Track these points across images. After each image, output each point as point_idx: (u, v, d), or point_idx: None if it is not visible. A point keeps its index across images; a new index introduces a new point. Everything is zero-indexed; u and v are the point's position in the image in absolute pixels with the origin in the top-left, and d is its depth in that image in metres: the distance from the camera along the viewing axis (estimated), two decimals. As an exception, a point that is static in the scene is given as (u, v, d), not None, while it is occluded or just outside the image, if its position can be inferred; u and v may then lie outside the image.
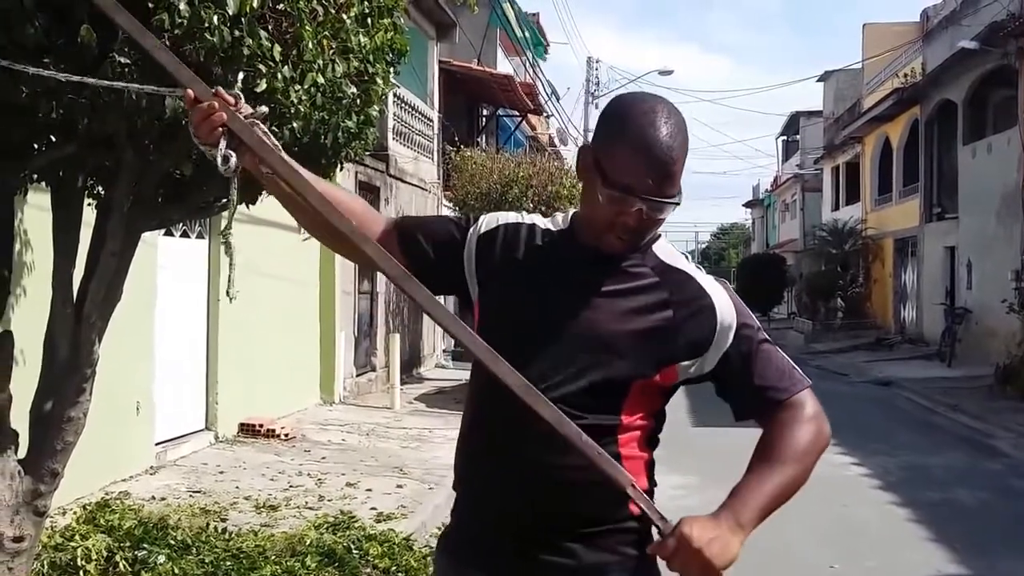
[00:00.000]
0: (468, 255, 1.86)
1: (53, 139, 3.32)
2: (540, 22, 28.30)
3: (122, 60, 2.88)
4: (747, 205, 59.13)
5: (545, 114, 25.73)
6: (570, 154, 31.99)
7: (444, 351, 18.03)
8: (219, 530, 5.51)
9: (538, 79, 22.63)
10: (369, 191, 13.25)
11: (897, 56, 26.25)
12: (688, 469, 8.13)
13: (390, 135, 13.63)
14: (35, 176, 3.53)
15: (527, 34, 22.47)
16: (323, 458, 8.45)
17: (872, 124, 27.21)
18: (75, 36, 2.80)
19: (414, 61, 13.00)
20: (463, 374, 14.89)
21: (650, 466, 1.83)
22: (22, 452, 3.67)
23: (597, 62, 30.72)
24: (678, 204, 1.72)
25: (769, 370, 1.78)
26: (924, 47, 23.67)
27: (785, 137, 46.41)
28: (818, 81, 36.59)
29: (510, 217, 1.91)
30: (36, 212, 4.74)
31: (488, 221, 1.90)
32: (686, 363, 1.76)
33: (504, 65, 22.15)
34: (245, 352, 9.24)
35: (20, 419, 3.67)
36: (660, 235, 1.86)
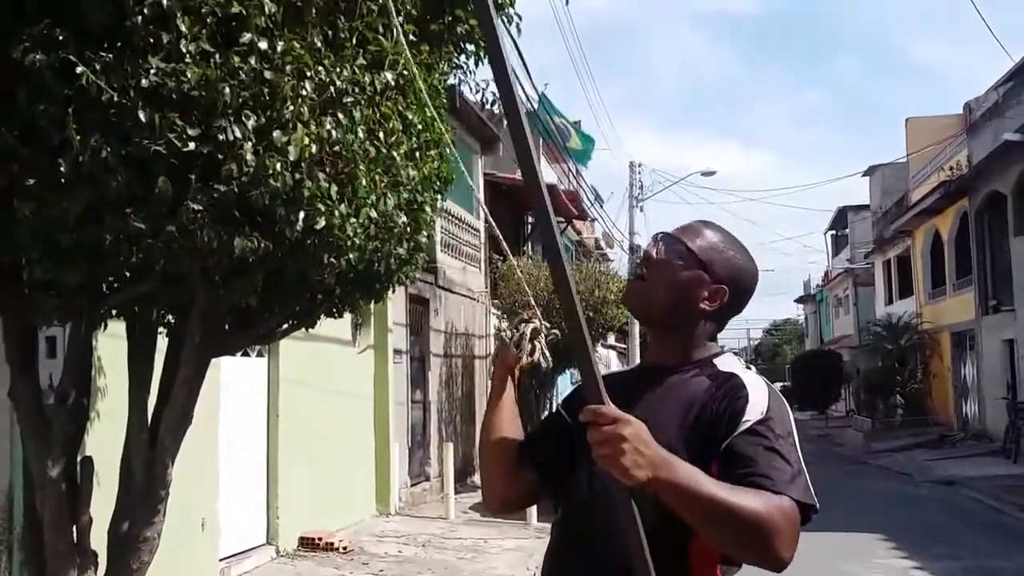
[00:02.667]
0: (568, 419, 2.02)
1: (129, 276, 3.60)
2: (582, 129, 28.94)
3: (195, 207, 3.17)
4: (799, 301, 58.64)
5: (590, 218, 26.09)
6: (616, 256, 32.26)
7: (498, 458, 17.97)
8: (279, 646, 5.57)
9: (581, 186, 23.09)
10: (419, 303, 13.56)
11: (941, 149, 26.30)
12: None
13: (438, 247, 14.01)
14: (113, 311, 3.81)
15: (579, 142, 22.89)
16: (381, 571, 8.49)
17: (921, 217, 27.05)
18: (153, 187, 3.09)
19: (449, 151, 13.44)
20: (517, 481, 14.82)
21: None
22: (100, 571, 3.85)
23: (639, 166, 31.12)
24: (658, 259, 1.97)
25: (769, 465, 1.72)
26: (968, 140, 23.61)
27: (834, 231, 46.33)
28: (864, 175, 36.68)
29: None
30: (110, 340, 5.02)
31: (570, 394, 2.14)
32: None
33: (548, 172, 22.66)
34: (304, 466, 9.41)
35: (97, 539, 3.86)
36: (725, 350, 2.02)
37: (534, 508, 11.73)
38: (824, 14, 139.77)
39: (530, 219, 22.04)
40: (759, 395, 1.83)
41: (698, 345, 1.98)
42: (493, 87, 5.10)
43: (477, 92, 5.13)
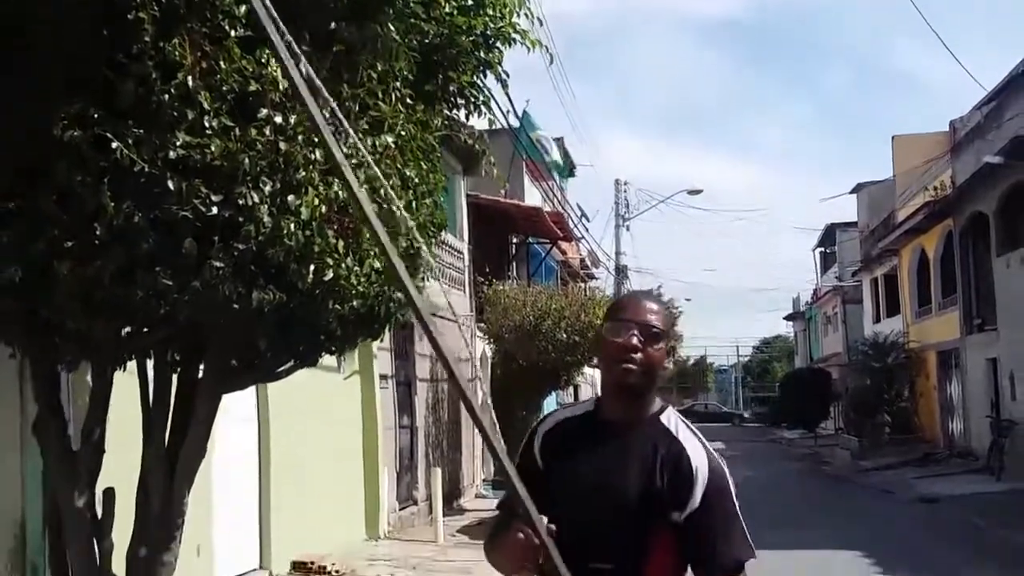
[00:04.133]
0: (541, 465, 2.34)
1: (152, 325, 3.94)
2: (565, 145, 29.14)
3: (217, 265, 3.52)
4: (788, 318, 59.01)
5: (575, 239, 26.29)
6: (602, 276, 32.55)
7: (484, 480, 18.14)
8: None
9: (566, 204, 23.21)
10: (403, 328, 13.75)
11: (927, 169, 26.56)
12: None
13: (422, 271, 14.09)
14: (132, 354, 4.15)
15: (555, 159, 23.02)
16: (374, 593, 8.73)
17: (907, 236, 27.28)
18: (180, 248, 3.44)
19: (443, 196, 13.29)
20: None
21: None
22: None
23: (625, 184, 31.40)
24: (660, 330, 2.24)
25: (730, 535, 2.21)
26: (953, 160, 23.83)
27: (823, 249, 46.72)
28: (851, 193, 37.09)
29: (547, 424, 2.40)
30: (125, 376, 5.34)
31: (538, 435, 2.39)
32: (675, 514, 2.20)
33: (531, 191, 22.60)
34: (295, 491, 9.61)
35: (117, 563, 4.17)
36: (668, 406, 2.34)
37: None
38: (814, 22, 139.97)
39: (514, 240, 22.18)
40: (702, 461, 2.23)
41: (652, 402, 2.33)
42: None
43: (468, 142, 5.47)
